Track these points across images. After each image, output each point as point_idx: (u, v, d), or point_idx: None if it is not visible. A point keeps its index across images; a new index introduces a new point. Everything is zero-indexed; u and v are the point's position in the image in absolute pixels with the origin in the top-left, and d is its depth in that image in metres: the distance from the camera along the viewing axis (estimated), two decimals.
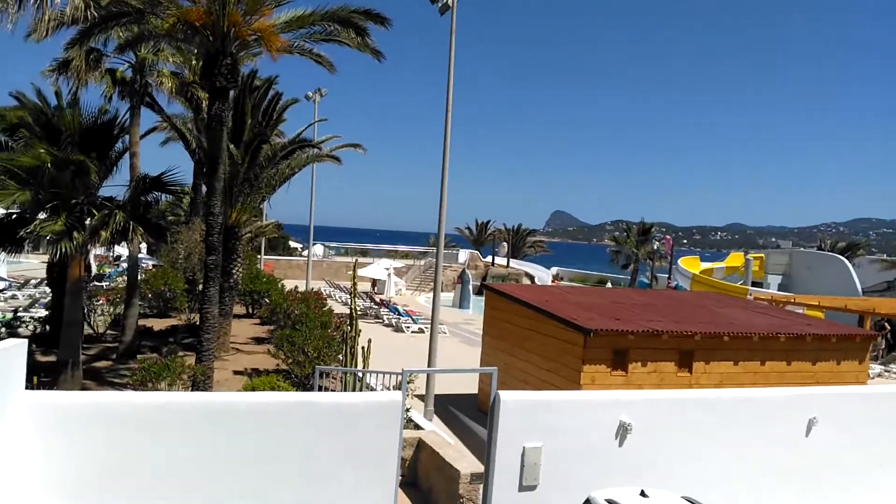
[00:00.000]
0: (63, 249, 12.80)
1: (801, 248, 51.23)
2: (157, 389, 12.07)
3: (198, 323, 14.79)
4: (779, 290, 36.96)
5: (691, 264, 44.85)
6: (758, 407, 8.15)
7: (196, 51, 16.67)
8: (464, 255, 54.01)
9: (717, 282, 38.18)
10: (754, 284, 37.70)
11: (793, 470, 8.05)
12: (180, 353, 14.82)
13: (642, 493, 6.46)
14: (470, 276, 40.78)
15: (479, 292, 35.96)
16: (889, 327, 27.29)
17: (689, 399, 8.18)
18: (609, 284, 46.74)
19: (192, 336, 17.95)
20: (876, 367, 23.13)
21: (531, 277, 48.57)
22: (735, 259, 45.94)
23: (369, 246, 66.50)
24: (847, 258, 39.06)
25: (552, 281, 49.12)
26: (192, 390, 12.66)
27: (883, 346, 26.91)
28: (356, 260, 35.93)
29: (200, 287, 15.80)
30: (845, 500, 8.22)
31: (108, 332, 20.10)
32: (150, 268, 28.92)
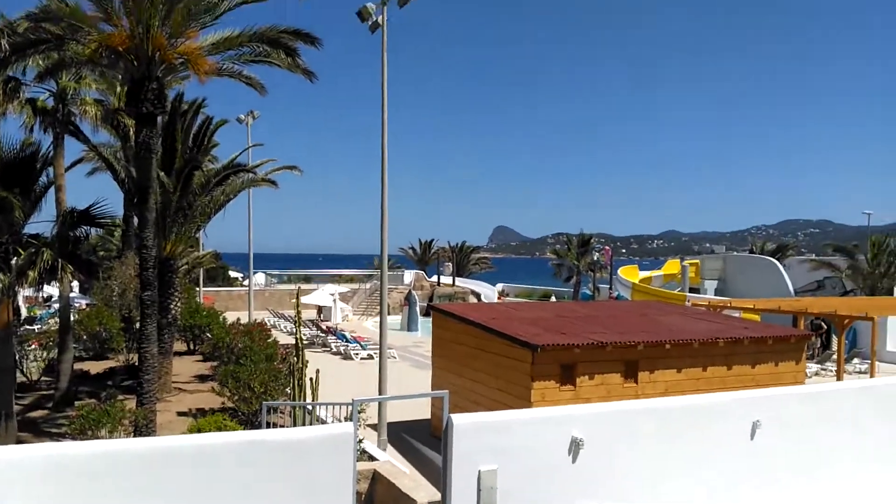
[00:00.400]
0: None
1: (734, 252, 52.89)
2: (97, 437, 11.63)
3: (137, 364, 14.31)
4: (715, 294, 37.98)
5: (630, 273, 45.75)
6: (703, 413, 8.33)
7: (120, 76, 16.23)
8: (409, 275, 53.87)
9: (657, 290, 39.05)
10: (691, 290, 38.64)
11: (742, 474, 8.24)
12: (120, 397, 14.31)
13: None
14: (417, 297, 40.67)
15: (426, 313, 35.90)
16: (826, 326, 28.12)
17: (638, 409, 8.31)
18: (553, 298, 47.33)
19: (132, 378, 17.32)
20: (812, 367, 23.91)
21: (477, 295, 48.81)
22: (672, 266, 47.07)
23: (313, 272, 65.73)
24: (778, 259, 40.41)
25: (498, 297, 49.46)
26: (134, 436, 12.21)
27: (818, 346, 27.77)
28: (299, 287, 35.49)
29: (137, 325, 15.30)
30: (795, 501, 8.45)
31: (43, 378, 19.25)
32: (84, 307, 27.86)
